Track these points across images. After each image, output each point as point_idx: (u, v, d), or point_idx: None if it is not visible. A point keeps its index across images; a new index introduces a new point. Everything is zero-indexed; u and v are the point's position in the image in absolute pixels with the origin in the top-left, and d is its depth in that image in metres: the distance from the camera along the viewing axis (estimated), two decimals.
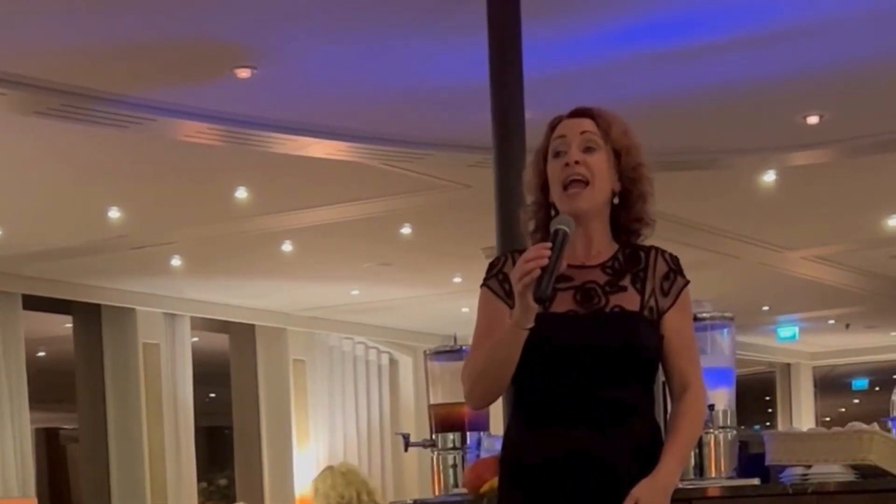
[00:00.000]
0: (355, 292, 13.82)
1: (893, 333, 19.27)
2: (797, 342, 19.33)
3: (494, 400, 3.37)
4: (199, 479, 14.67)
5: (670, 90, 7.66)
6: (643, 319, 3.27)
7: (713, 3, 6.42)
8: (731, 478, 5.23)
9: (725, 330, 5.39)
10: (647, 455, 3.21)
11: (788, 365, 21.33)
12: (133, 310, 13.19)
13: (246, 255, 11.77)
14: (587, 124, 3.34)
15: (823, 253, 13.23)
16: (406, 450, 6.11)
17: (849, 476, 4.94)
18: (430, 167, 9.00)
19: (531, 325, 3.17)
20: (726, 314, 5.40)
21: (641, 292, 3.29)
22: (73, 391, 13.41)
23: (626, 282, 3.29)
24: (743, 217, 11.31)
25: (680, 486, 5.27)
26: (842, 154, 9.04)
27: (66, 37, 6.51)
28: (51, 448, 19.98)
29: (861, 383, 22.80)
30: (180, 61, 6.90)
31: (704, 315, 5.36)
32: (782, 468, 5.10)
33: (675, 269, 3.36)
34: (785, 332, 18.48)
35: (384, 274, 12.75)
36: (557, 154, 3.33)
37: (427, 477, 6.02)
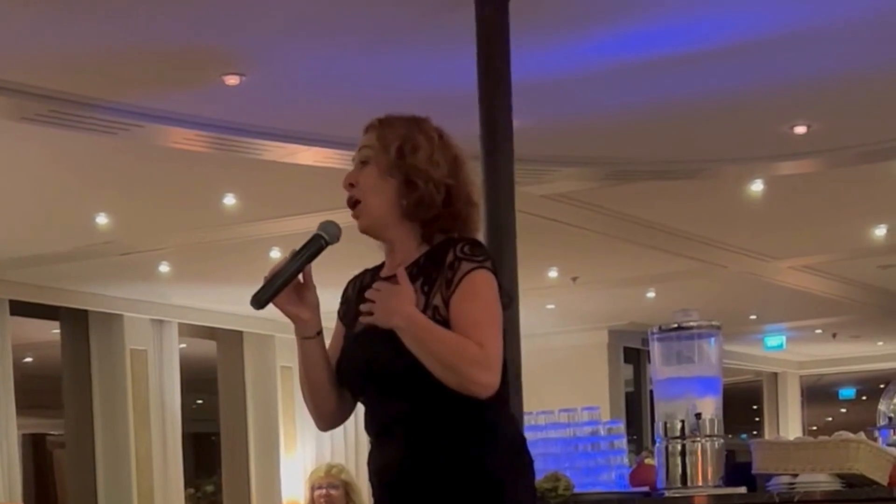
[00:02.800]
0: None
1: (880, 343, 19.31)
2: (784, 351, 19.37)
3: (334, 418, 3.36)
4: (186, 486, 14.64)
5: (658, 99, 7.66)
6: None
7: (702, 12, 6.43)
8: (717, 486, 5.24)
9: (713, 339, 5.41)
10: (459, 452, 3.11)
11: (775, 374, 21.36)
12: (120, 316, 13.17)
13: (234, 262, 11.76)
14: (367, 138, 3.32)
15: (810, 262, 13.26)
16: None
17: (835, 485, 4.96)
18: None
19: (307, 334, 3.25)
20: (713, 323, 5.42)
21: (427, 293, 3.15)
22: (60, 397, 13.38)
23: (417, 286, 3.16)
24: (730, 226, 11.33)
25: (666, 494, 5.29)
26: (829, 164, 9.06)
27: (54, 43, 6.51)
28: (37, 454, 19.94)
29: (848, 392, 22.83)
30: (169, 68, 6.90)
31: (692, 324, 5.38)
32: (769, 477, 5.12)
33: (461, 255, 3.15)
34: (772, 341, 18.51)
35: None
36: None
37: None
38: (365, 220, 3.27)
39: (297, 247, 3.25)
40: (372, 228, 3.29)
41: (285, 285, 3.22)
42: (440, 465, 3.11)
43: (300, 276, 3.26)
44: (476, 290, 3.12)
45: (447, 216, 3.24)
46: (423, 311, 3.12)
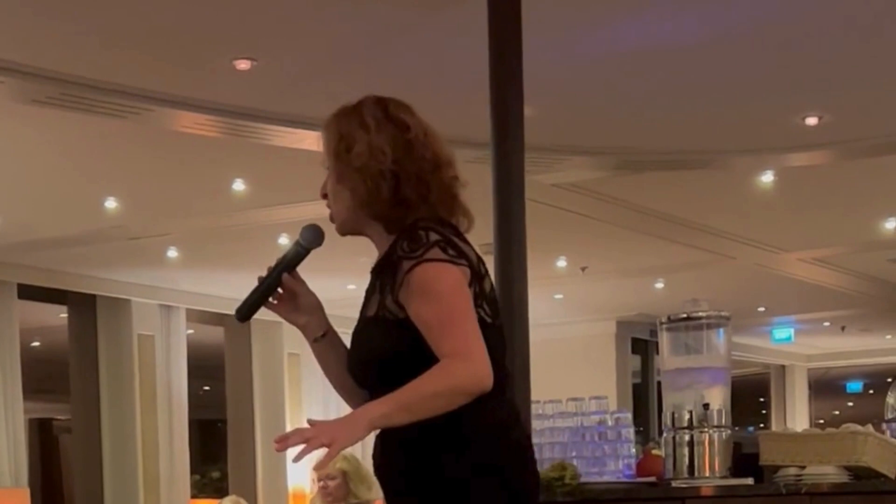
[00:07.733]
0: (351, 286, 13.78)
1: (888, 336, 19.28)
2: (792, 344, 19.35)
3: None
4: (192, 472, 14.66)
5: (669, 89, 7.65)
6: (376, 322, 3.08)
7: (714, 2, 6.42)
8: (724, 477, 5.24)
9: (721, 330, 5.40)
10: (416, 450, 3.05)
11: (783, 366, 21.34)
12: (128, 301, 13.18)
13: (242, 248, 11.75)
14: (321, 142, 3.29)
15: (820, 255, 13.24)
16: None
17: (842, 477, 4.95)
18: None
19: (311, 337, 3.27)
20: (723, 313, 5.41)
21: (382, 290, 3.09)
22: (66, 382, 13.39)
23: (378, 283, 3.12)
24: (740, 217, 11.31)
25: (673, 484, 5.27)
26: (840, 156, 9.04)
27: (64, 26, 6.50)
28: (44, 438, 19.98)
29: (855, 386, 22.80)
30: (180, 52, 6.89)
31: (701, 314, 5.36)
32: (776, 468, 5.11)
33: (401, 254, 3.04)
34: (780, 333, 18.49)
35: None
36: None
37: None
38: (336, 225, 3.26)
39: (280, 255, 3.26)
40: (346, 232, 3.28)
41: (265, 297, 3.23)
42: (398, 445, 3.10)
43: (287, 284, 3.25)
44: (424, 289, 2.99)
45: (395, 204, 3.12)
46: (377, 313, 3.07)
